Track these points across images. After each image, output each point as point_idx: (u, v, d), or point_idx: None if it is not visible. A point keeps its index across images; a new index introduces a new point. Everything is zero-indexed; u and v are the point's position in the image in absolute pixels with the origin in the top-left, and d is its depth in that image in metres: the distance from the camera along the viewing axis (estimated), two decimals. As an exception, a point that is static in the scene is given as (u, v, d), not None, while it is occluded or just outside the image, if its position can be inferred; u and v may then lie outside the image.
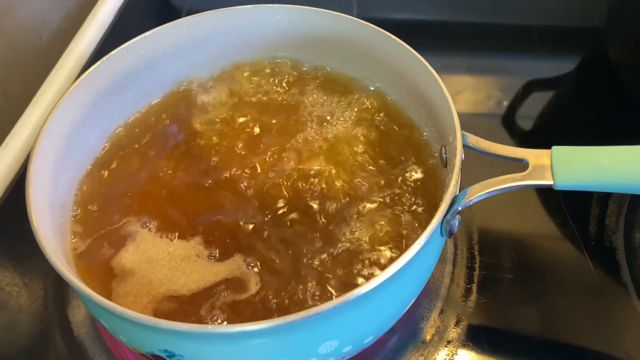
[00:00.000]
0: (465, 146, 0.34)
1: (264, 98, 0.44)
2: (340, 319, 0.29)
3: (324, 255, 0.35)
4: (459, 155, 0.32)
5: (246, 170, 0.39)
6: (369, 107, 0.42)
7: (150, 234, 0.36)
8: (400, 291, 0.31)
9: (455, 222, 0.32)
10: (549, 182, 0.31)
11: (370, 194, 0.37)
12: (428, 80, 0.37)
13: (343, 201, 0.37)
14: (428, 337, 0.39)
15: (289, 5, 0.42)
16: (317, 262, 0.34)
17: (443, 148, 0.37)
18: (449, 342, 0.39)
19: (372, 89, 0.43)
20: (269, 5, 0.43)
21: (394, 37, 0.39)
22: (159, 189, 0.39)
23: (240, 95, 0.44)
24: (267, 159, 0.40)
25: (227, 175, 0.39)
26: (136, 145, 0.41)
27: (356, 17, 0.41)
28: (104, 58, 0.39)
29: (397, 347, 0.38)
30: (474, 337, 0.39)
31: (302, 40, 0.44)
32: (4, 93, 0.55)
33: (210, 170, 0.39)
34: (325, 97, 0.43)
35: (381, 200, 0.37)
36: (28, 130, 0.49)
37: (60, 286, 0.42)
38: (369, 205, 0.37)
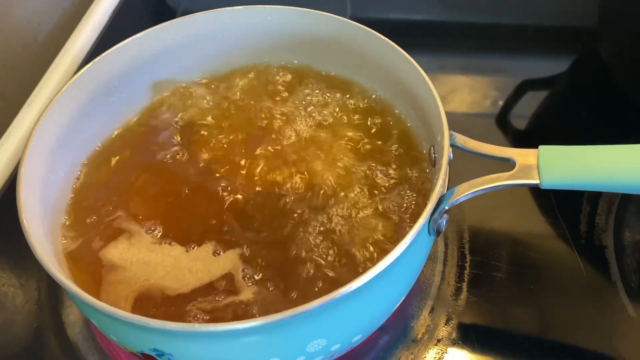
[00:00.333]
0: (453, 146, 0.34)
1: (256, 99, 0.44)
2: (327, 318, 0.29)
3: (313, 255, 0.35)
4: (447, 154, 0.32)
5: (238, 172, 0.39)
6: (360, 107, 0.43)
7: (141, 234, 0.36)
8: (388, 290, 0.32)
9: (443, 222, 0.33)
10: (535, 181, 0.32)
11: (359, 193, 0.38)
12: (417, 81, 0.37)
13: (332, 201, 0.37)
14: (418, 336, 0.39)
15: (279, 6, 0.42)
16: (306, 261, 0.35)
17: (432, 147, 0.37)
18: (439, 340, 0.39)
19: (363, 89, 0.43)
20: (259, 6, 0.43)
21: (383, 37, 0.40)
22: (151, 189, 0.39)
23: (232, 97, 0.44)
24: (258, 161, 0.40)
25: (219, 176, 0.39)
26: (128, 147, 0.41)
27: (350, 18, 0.41)
28: (96, 59, 0.39)
29: (388, 345, 0.39)
30: (464, 336, 0.39)
31: (293, 41, 0.44)
32: (0, 93, 0.56)
33: (203, 171, 0.40)
34: (317, 98, 0.43)
35: (370, 199, 0.37)
36: (23, 130, 0.49)
37: (53, 286, 0.42)
38: (358, 205, 0.37)
